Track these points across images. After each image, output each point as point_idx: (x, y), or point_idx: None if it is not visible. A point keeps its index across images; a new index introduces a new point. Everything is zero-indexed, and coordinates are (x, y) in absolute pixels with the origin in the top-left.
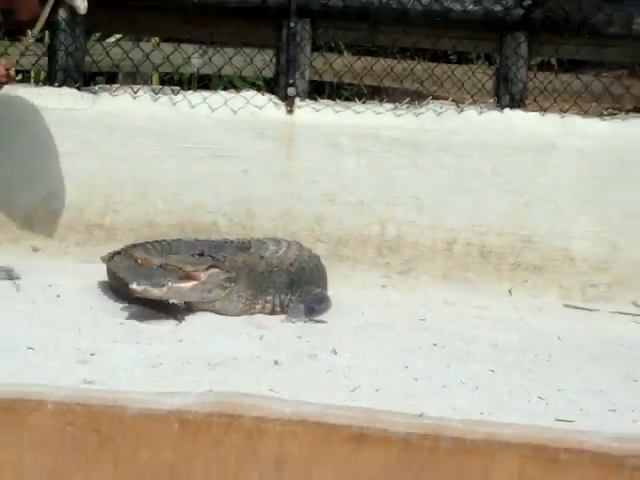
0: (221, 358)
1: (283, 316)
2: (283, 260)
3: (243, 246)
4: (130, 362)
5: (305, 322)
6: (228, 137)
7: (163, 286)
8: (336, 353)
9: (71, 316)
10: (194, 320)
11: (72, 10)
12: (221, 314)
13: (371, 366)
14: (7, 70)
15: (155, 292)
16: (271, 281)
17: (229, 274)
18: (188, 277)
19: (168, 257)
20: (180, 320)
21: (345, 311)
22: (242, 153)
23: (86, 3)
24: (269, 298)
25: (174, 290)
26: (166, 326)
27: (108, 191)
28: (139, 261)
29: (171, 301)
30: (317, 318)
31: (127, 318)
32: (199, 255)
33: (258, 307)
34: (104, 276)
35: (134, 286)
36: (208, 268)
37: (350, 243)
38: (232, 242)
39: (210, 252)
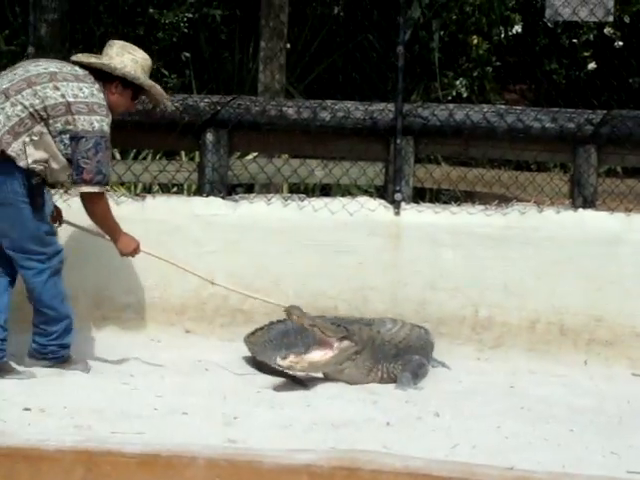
0: (342, 421)
1: (392, 385)
2: (394, 336)
3: (368, 323)
4: (266, 424)
5: (412, 389)
6: (346, 235)
7: (301, 359)
8: (438, 415)
9: (217, 386)
10: (318, 388)
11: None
12: (344, 381)
13: (468, 427)
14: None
15: (297, 367)
16: (383, 353)
17: (357, 347)
18: (324, 343)
19: (315, 319)
20: (307, 388)
21: (446, 380)
22: (357, 248)
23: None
24: (380, 367)
25: (313, 366)
26: (295, 393)
27: (249, 281)
28: (294, 317)
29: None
30: (421, 384)
31: (263, 387)
32: (337, 325)
33: (372, 375)
34: (245, 352)
35: (279, 361)
36: (342, 339)
37: (448, 322)
38: (361, 320)
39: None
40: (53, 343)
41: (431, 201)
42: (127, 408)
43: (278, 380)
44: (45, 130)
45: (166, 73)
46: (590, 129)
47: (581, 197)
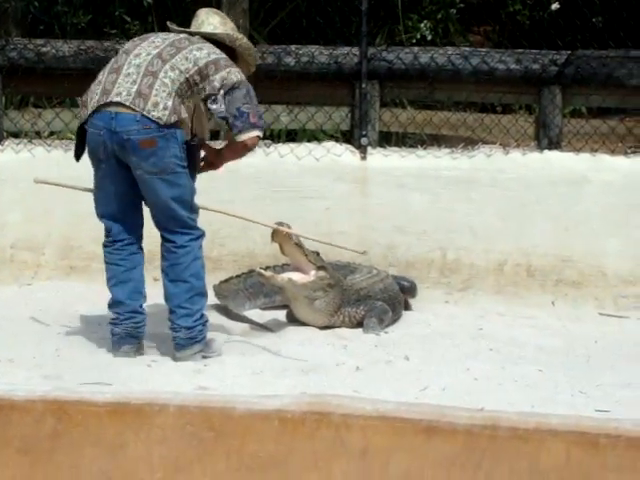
0: (312, 366)
1: (361, 330)
2: (356, 284)
3: (344, 267)
4: (237, 371)
5: (381, 333)
6: (313, 181)
7: (282, 275)
8: (408, 359)
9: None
10: (288, 334)
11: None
12: (310, 319)
13: (437, 369)
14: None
15: (278, 280)
16: (347, 297)
17: (331, 280)
18: (302, 269)
19: (300, 240)
20: (277, 334)
21: (414, 323)
22: (325, 194)
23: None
24: (342, 310)
25: (292, 283)
26: (265, 340)
27: (217, 228)
28: (281, 235)
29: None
30: (389, 329)
31: (233, 334)
32: (317, 253)
33: (336, 317)
34: (214, 300)
35: (262, 271)
36: (320, 268)
37: (417, 266)
38: (339, 263)
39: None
40: (199, 322)
41: (397, 145)
42: (97, 358)
43: (248, 328)
44: (198, 93)
45: (128, 20)
46: (554, 70)
47: (547, 138)
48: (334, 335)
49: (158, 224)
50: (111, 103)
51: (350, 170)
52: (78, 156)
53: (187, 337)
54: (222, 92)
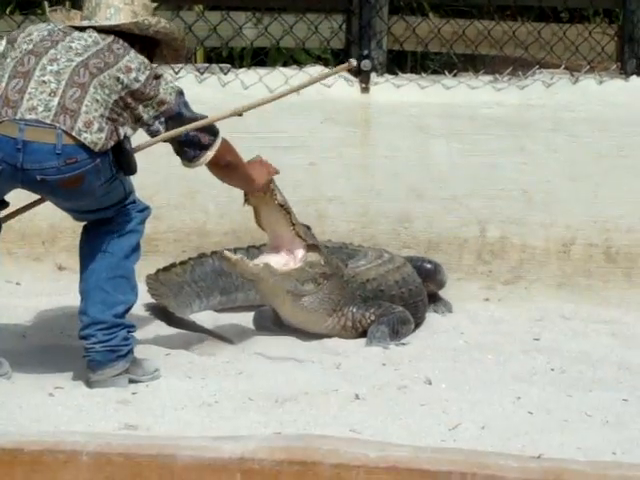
0: (290, 392)
1: (361, 341)
2: (362, 273)
3: (340, 249)
4: (180, 401)
5: (391, 346)
6: (290, 123)
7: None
8: (430, 383)
9: None
10: (253, 346)
11: None
12: (295, 323)
13: (474, 398)
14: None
15: (250, 266)
16: (350, 292)
17: (325, 268)
18: (285, 248)
19: (287, 203)
20: (237, 346)
21: (440, 331)
22: (308, 142)
23: None
24: (344, 310)
25: (270, 270)
26: (221, 354)
27: (150, 193)
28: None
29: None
30: (404, 341)
31: (175, 347)
32: (307, 228)
33: (332, 319)
34: (146, 298)
35: (227, 253)
36: (310, 248)
37: (443, 247)
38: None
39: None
40: (123, 327)
41: (414, 71)
42: None
43: (195, 337)
44: (133, 119)
45: None
46: None
47: (635, 59)
48: (322, 348)
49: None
50: (19, 121)
51: (346, 108)
52: None
53: (105, 348)
54: (161, 121)
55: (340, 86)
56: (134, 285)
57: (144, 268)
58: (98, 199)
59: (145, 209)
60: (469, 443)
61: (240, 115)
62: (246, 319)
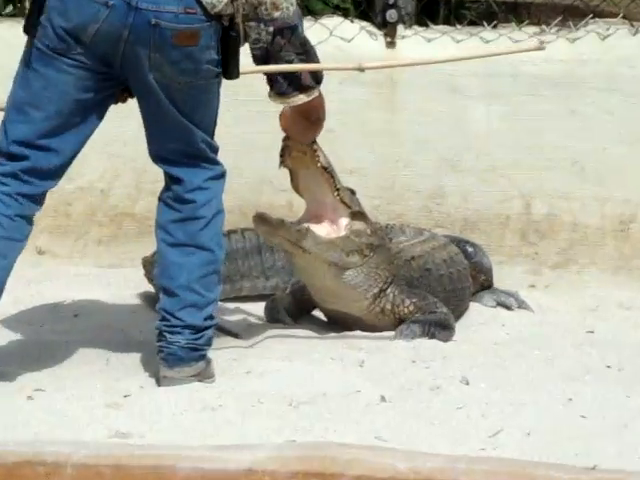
0: (306, 394)
1: (387, 335)
2: (407, 250)
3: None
4: (179, 404)
5: (421, 339)
6: None
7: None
8: (468, 383)
9: (97, 342)
10: (265, 341)
11: None
12: (333, 305)
13: (518, 399)
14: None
15: (295, 230)
16: (396, 269)
17: (373, 238)
18: (328, 216)
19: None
20: (245, 340)
21: (478, 322)
22: (326, 105)
23: None
24: (387, 290)
25: (313, 237)
26: (227, 351)
27: (143, 164)
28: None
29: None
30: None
31: None
32: (352, 192)
33: (374, 302)
34: (142, 286)
35: (266, 215)
36: (356, 216)
37: (481, 226)
38: None
39: None
40: (211, 323)
41: (448, 22)
42: None
43: None
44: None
45: None
46: None
47: None
48: (343, 344)
49: (163, 155)
50: None
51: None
52: (29, 30)
53: (190, 345)
54: (270, 30)
55: (362, 40)
56: (221, 274)
57: (139, 249)
58: (201, 82)
59: (225, 174)
60: (512, 452)
61: (362, 71)
62: (255, 310)
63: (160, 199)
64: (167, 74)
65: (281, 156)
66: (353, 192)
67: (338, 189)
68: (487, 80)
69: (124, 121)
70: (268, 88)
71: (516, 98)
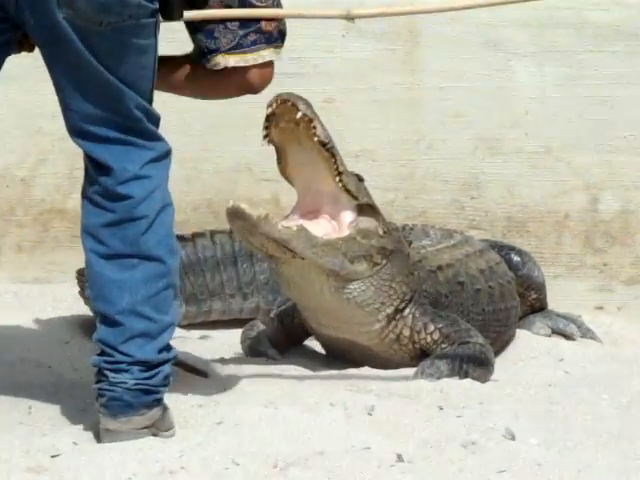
0: (296, 453)
1: (406, 371)
2: (431, 256)
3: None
4: (127, 466)
5: (451, 379)
6: (297, 36)
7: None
8: (513, 438)
9: (16, 384)
10: (243, 381)
11: None
12: (337, 335)
13: (580, 461)
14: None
15: (279, 228)
16: (417, 281)
17: (385, 240)
18: (321, 211)
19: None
20: (212, 379)
21: (527, 356)
22: (323, 66)
23: None
24: (407, 310)
25: (307, 237)
26: (191, 394)
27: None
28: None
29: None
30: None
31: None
32: (358, 178)
33: (384, 324)
34: (77, 307)
35: (242, 206)
36: (362, 209)
37: (531, 228)
38: None
39: None
40: (167, 356)
41: None
42: None
43: None
44: None
45: None
46: None
47: None
48: (347, 384)
49: (82, 127)
50: None
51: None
52: None
53: (141, 386)
54: None
55: None
56: (177, 289)
57: (73, 258)
58: (129, 23)
59: (169, 153)
60: None
61: (351, 21)
62: (228, 340)
63: (84, 196)
64: (82, 11)
65: (265, 128)
66: (361, 179)
67: (340, 173)
68: (539, 32)
69: (51, 87)
70: (207, 43)
71: (578, 56)
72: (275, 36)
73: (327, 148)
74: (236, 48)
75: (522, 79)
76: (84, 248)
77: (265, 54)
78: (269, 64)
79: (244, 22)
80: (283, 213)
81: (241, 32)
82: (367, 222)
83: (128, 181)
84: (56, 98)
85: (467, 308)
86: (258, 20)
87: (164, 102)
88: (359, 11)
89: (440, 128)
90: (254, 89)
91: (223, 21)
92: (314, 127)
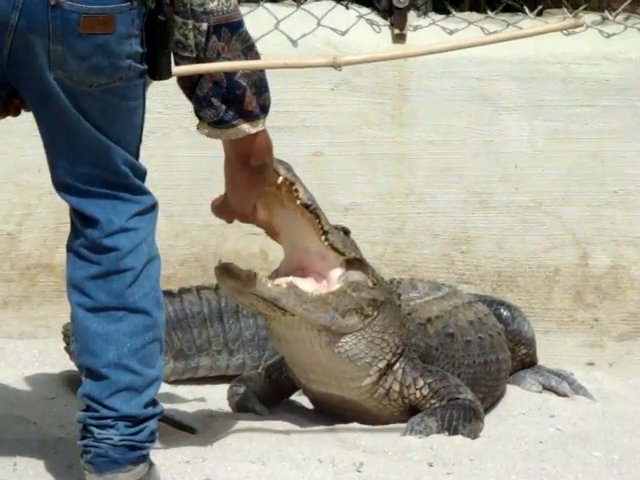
0: None
1: (395, 427)
2: (419, 309)
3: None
4: None
5: (441, 436)
6: (286, 90)
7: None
8: None
9: (0, 441)
10: (229, 438)
11: None
12: (327, 391)
13: None
14: None
15: (269, 287)
16: (408, 335)
17: (376, 292)
18: (310, 268)
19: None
20: (199, 436)
21: (517, 412)
22: (311, 120)
23: None
24: (397, 364)
25: (297, 293)
26: (177, 450)
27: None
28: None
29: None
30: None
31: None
32: (344, 232)
33: (374, 378)
34: (63, 362)
35: (232, 265)
36: (351, 264)
37: (520, 283)
38: None
39: None
40: (153, 412)
41: (476, 8)
42: None
43: None
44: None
45: None
46: None
47: None
48: (335, 440)
49: (69, 183)
50: None
51: (370, 66)
52: None
53: (126, 442)
54: (203, 27)
55: (360, 31)
56: (164, 348)
57: (59, 313)
58: (118, 85)
59: (156, 206)
60: None
61: (338, 68)
62: (215, 396)
63: (69, 249)
64: (74, 73)
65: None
66: (347, 232)
67: (326, 232)
68: (529, 85)
69: (37, 141)
70: (196, 117)
71: (569, 110)
72: (256, 112)
73: (310, 210)
74: (218, 124)
75: (512, 133)
76: (70, 301)
77: (244, 127)
78: (259, 133)
79: (227, 100)
80: (272, 268)
81: (224, 107)
82: (356, 275)
83: (114, 233)
84: (42, 152)
85: (458, 360)
86: (241, 100)
87: (152, 156)
88: (346, 58)
89: (430, 182)
90: (250, 157)
91: (208, 97)
92: (296, 190)
